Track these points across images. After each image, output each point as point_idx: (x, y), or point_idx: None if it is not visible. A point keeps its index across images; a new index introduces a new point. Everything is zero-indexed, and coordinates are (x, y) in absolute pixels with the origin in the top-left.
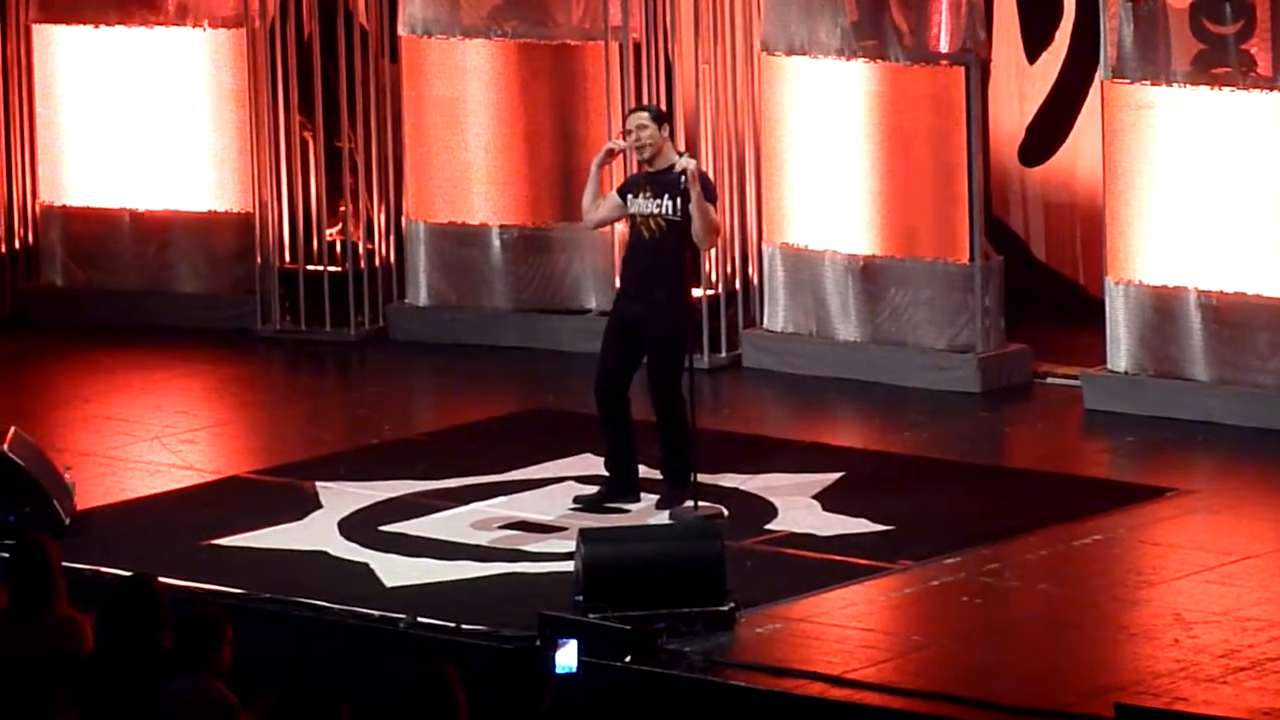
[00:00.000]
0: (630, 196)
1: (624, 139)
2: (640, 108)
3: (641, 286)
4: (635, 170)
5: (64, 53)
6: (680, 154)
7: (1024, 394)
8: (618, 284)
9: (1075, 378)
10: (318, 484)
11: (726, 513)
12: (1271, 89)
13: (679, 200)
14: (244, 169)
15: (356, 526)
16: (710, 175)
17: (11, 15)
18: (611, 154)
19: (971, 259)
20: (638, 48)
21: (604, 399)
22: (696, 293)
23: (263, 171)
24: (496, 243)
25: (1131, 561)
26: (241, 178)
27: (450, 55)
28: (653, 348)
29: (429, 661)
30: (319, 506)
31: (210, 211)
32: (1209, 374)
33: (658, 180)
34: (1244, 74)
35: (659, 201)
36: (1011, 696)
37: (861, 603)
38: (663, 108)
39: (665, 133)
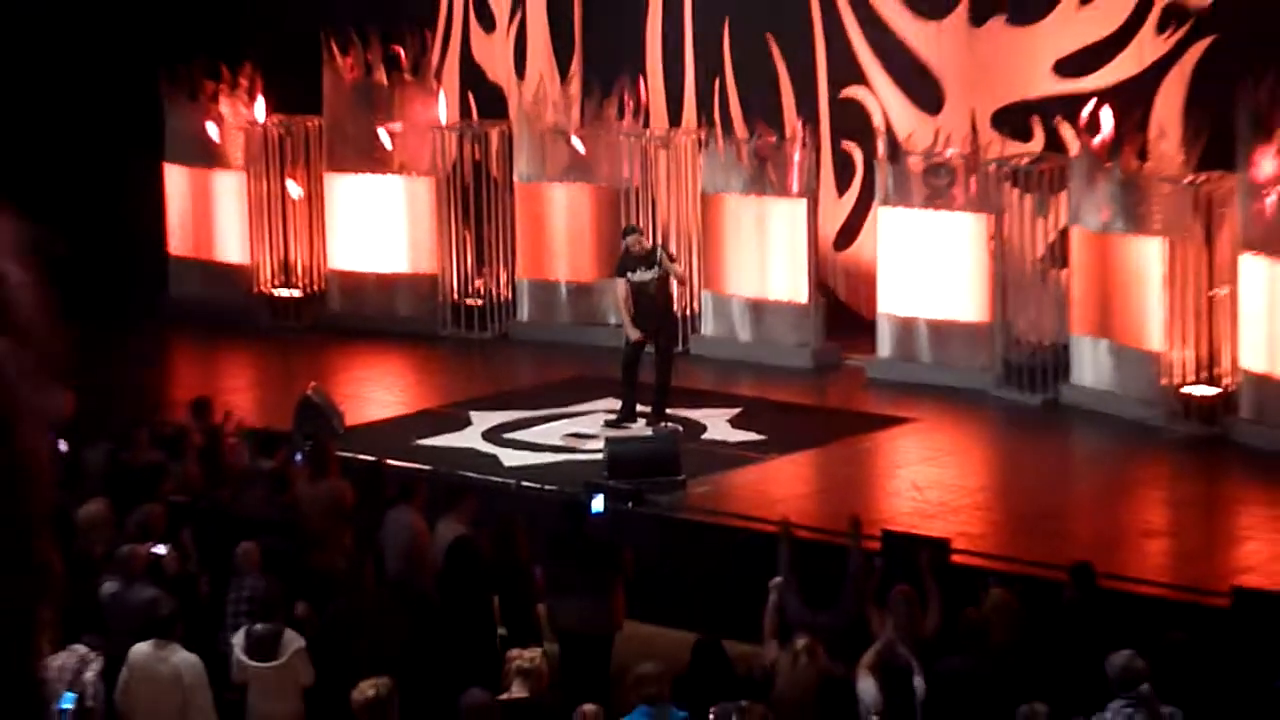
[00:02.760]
0: (630, 273)
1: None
2: (631, 229)
3: (657, 315)
4: (625, 253)
5: (341, 188)
6: (657, 244)
7: (837, 370)
8: (631, 314)
9: (861, 362)
10: (470, 412)
11: (681, 429)
12: (966, 211)
13: (657, 266)
14: (433, 250)
15: (491, 434)
16: (675, 252)
17: (315, 166)
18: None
19: (809, 301)
20: (637, 191)
21: (630, 370)
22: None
23: (443, 251)
24: (564, 289)
25: (890, 455)
26: (431, 254)
27: (542, 192)
28: (669, 338)
29: (501, 515)
30: (470, 424)
31: (416, 272)
32: (931, 360)
33: (642, 258)
34: (950, 203)
35: (649, 271)
36: (828, 525)
37: (751, 476)
38: (638, 224)
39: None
